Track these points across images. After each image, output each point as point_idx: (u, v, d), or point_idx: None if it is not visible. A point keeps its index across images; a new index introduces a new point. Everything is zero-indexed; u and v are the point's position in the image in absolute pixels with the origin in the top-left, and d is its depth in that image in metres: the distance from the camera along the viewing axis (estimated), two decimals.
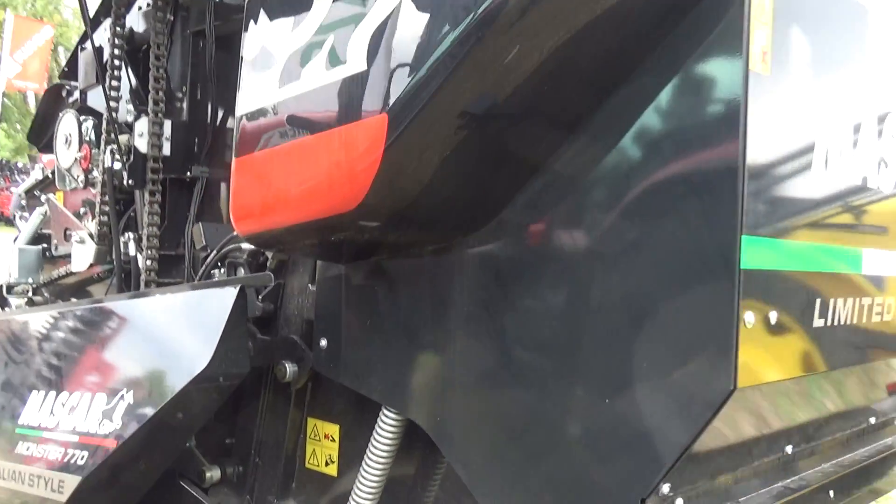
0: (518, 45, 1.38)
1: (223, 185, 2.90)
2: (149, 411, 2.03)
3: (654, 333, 1.42)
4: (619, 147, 1.48)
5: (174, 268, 2.86)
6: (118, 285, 2.90)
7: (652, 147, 1.43)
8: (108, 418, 2.15)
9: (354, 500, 2.05)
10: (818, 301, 1.55)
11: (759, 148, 1.35)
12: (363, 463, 2.04)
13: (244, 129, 1.77)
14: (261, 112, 1.73)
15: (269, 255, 2.38)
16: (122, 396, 2.13)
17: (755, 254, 1.36)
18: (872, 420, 2.18)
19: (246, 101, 1.76)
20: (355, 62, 1.53)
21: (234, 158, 1.82)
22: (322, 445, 2.35)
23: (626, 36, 1.45)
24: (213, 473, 2.51)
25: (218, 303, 1.99)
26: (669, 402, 1.40)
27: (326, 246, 1.84)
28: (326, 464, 2.33)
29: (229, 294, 1.98)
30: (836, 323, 1.59)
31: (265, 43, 1.72)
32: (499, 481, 1.65)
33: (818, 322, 1.55)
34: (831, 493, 1.95)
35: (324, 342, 2.10)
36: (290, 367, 2.27)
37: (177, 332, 2.07)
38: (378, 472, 2.01)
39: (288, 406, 2.39)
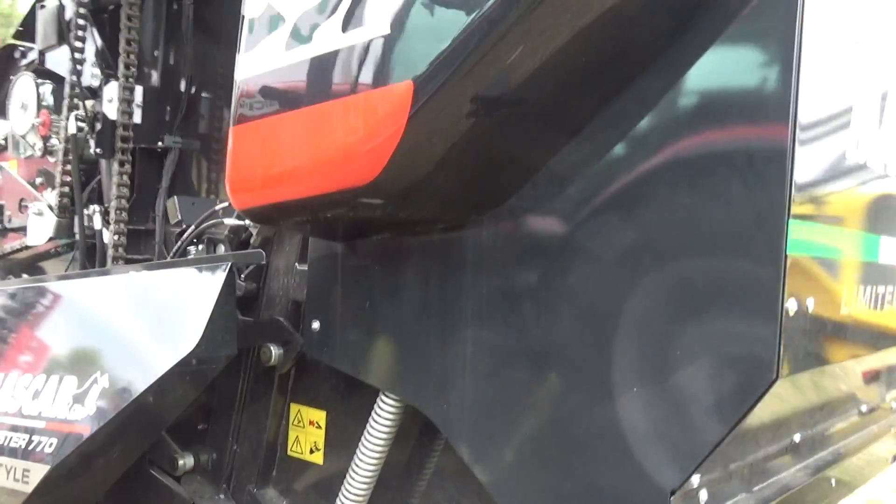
0: (562, 8, 1.29)
1: (197, 157, 2.75)
2: (128, 395, 1.89)
3: (690, 320, 1.36)
4: (659, 121, 1.41)
5: (143, 243, 2.70)
6: (81, 261, 2.72)
7: (696, 124, 1.37)
8: (80, 403, 2.00)
9: (348, 489, 1.96)
10: (847, 288, 1.51)
11: (809, 129, 1.30)
12: (358, 450, 1.94)
13: (245, 94, 1.65)
14: (265, 76, 1.61)
15: (254, 231, 2.25)
16: (97, 380, 1.98)
17: (800, 239, 1.31)
18: (864, 408, 2.19)
19: (247, 65, 1.64)
20: (376, 24, 1.42)
21: (231, 126, 1.69)
22: (306, 432, 2.24)
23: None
24: (186, 461, 2.38)
25: (207, 281, 1.86)
26: (706, 392, 1.34)
27: (330, 222, 1.73)
28: (311, 451, 2.22)
29: (219, 272, 1.86)
30: (861, 309, 1.56)
31: (271, 1, 1.59)
32: (517, 475, 1.57)
33: (846, 309, 1.52)
34: (833, 482, 1.94)
35: (316, 324, 1.99)
36: (275, 351, 2.15)
37: (161, 311, 1.93)
38: (374, 460, 1.92)
39: (270, 391, 2.27)
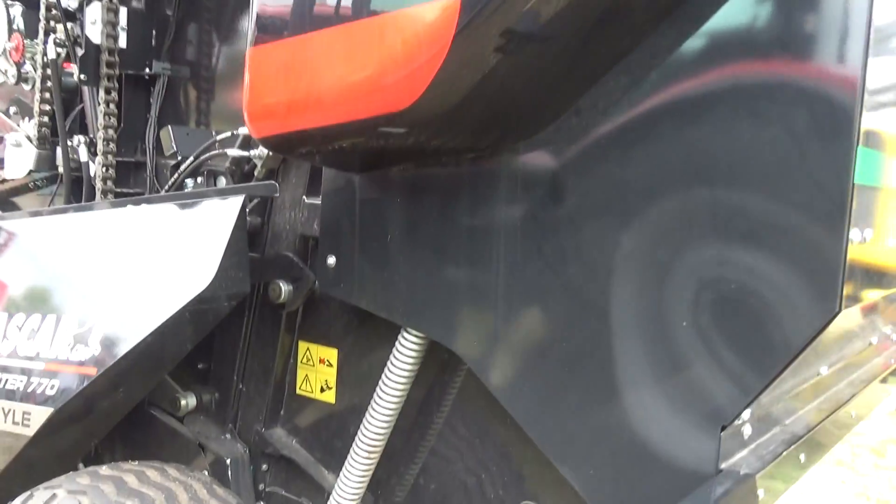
0: None
1: (187, 86, 2.60)
2: (136, 336, 1.80)
3: (750, 252, 1.32)
4: (720, 43, 1.33)
5: (132, 176, 2.57)
6: (66, 195, 2.58)
7: (757, 49, 1.30)
8: (83, 343, 1.91)
9: (368, 427, 1.91)
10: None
11: (881, 55, 1.24)
12: (378, 388, 1.89)
13: (265, 12, 1.53)
14: None
15: (258, 163, 2.14)
16: (101, 319, 1.89)
17: (866, 168, 1.26)
18: (875, 339, 2.20)
19: None
20: None
21: (249, 47, 1.57)
22: (316, 371, 2.18)
23: None
24: (188, 401, 2.32)
25: (219, 215, 1.76)
26: (764, 325, 1.31)
27: (353, 152, 1.64)
28: (322, 390, 2.17)
29: (233, 205, 1.75)
30: None
31: None
32: (555, 412, 1.54)
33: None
34: (853, 412, 1.95)
35: (332, 260, 1.91)
36: (284, 288, 2.08)
37: (170, 247, 1.83)
38: (395, 398, 1.87)
39: (277, 329, 2.20)
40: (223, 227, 1.74)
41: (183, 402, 2.31)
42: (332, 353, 2.15)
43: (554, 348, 1.54)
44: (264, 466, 2.26)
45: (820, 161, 1.25)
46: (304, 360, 2.21)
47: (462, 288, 1.68)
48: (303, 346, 2.21)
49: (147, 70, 2.52)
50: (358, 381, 2.09)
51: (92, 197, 2.54)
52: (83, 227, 2.10)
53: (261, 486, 2.26)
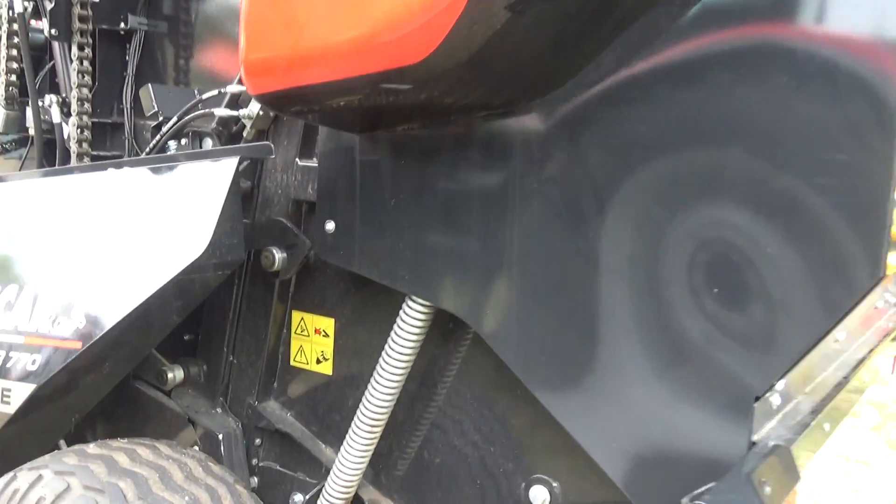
0: None
1: (164, 42, 2.46)
2: (125, 308, 1.69)
3: (789, 214, 1.25)
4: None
5: (109, 138, 2.43)
6: (38, 158, 2.43)
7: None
8: (66, 315, 1.80)
9: (371, 399, 1.83)
10: None
11: None
12: (381, 359, 1.81)
13: None
14: None
15: (247, 123, 2.02)
16: (86, 290, 1.77)
17: None
18: (880, 304, 2.16)
19: None
20: None
21: None
22: (311, 341, 2.09)
23: None
24: (175, 374, 2.22)
25: (212, 178, 1.65)
26: (802, 290, 1.24)
27: (360, 109, 1.53)
28: (318, 361, 2.08)
29: (226, 167, 1.64)
30: None
31: None
32: (580, 392, 1.47)
33: None
34: (865, 376, 1.92)
35: (330, 225, 1.81)
36: (278, 255, 1.97)
37: (160, 213, 1.71)
38: (400, 369, 1.79)
39: (269, 298, 2.10)
40: (216, 192, 1.63)
41: (170, 376, 2.21)
42: (328, 323, 2.06)
43: (576, 320, 1.46)
44: (257, 441, 2.17)
45: (866, 122, 1.18)
46: (298, 331, 2.12)
47: (473, 254, 1.59)
48: (296, 315, 2.12)
49: (122, 25, 2.37)
50: (357, 352, 2.01)
51: (66, 160, 2.40)
52: (61, 192, 1.97)
53: (254, 461, 2.18)
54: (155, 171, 1.79)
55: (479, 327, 1.60)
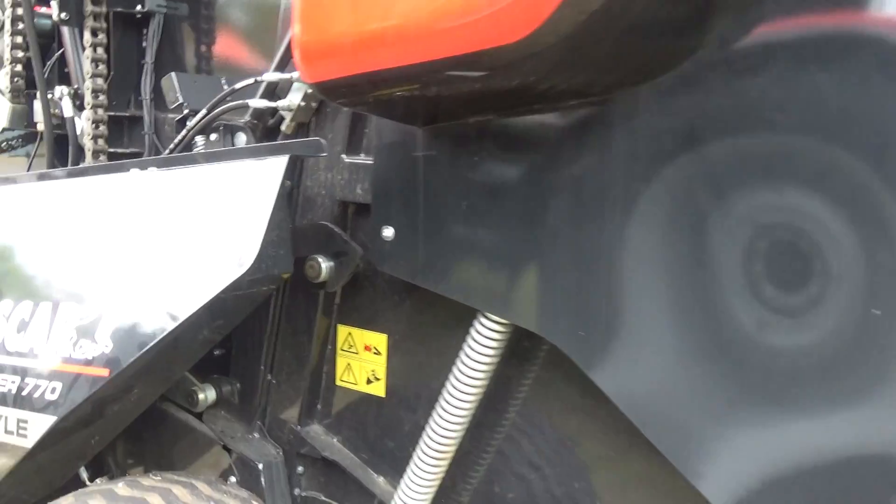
0: None
1: (184, 26, 2.22)
2: (159, 330, 1.47)
3: None
4: None
5: (127, 133, 2.20)
6: (49, 157, 2.20)
7: None
8: (89, 337, 1.58)
9: (439, 425, 1.61)
10: None
11: None
12: (450, 383, 1.59)
13: None
14: None
15: (286, 115, 1.79)
16: (112, 308, 1.55)
17: None
18: None
19: None
20: None
21: None
22: (360, 359, 1.87)
23: None
24: (207, 394, 2.00)
25: (259, 180, 1.42)
26: None
27: (433, 98, 1.30)
28: (368, 381, 1.86)
29: (275, 168, 1.41)
30: None
31: None
32: (697, 425, 1.24)
33: None
34: None
35: (388, 232, 1.59)
36: (324, 264, 1.75)
37: (200, 220, 1.48)
38: (472, 393, 1.57)
39: (312, 310, 1.88)
40: (263, 196, 1.41)
41: (200, 396, 1.99)
42: (380, 340, 1.84)
43: (695, 343, 1.24)
44: (300, 468, 1.95)
45: None
46: (345, 347, 1.90)
47: (564, 265, 1.37)
48: (343, 330, 1.90)
49: (139, 7, 2.14)
50: (414, 373, 1.79)
51: (80, 158, 2.17)
52: (80, 195, 1.74)
53: (296, 491, 1.96)
54: (189, 172, 1.56)
55: (575, 354, 1.38)
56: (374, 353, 1.85)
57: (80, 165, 2.05)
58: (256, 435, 1.98)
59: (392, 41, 1.14)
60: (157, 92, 2.15)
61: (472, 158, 1.46)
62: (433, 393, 1.73)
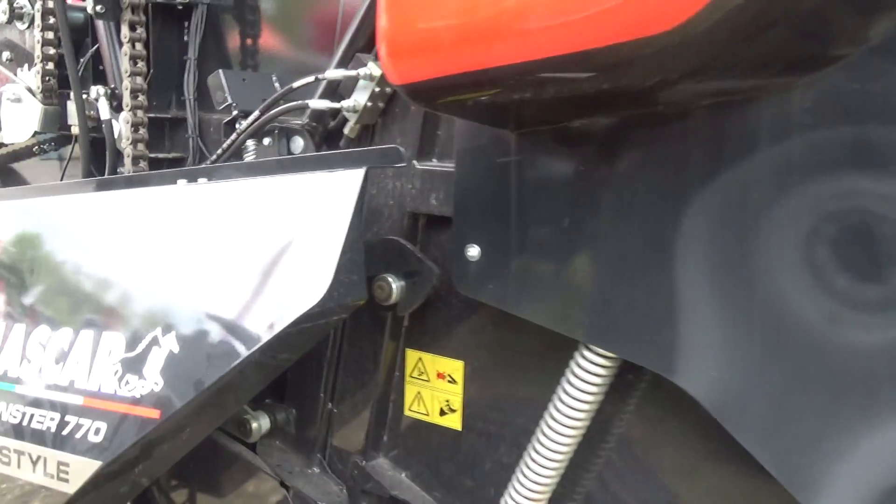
0: None
1: (227, 18, 2.03)
2: (216, 370, 1.29)
3: None
4: None
5: (168, 137, 2.02)
6: (85, 163, 2.02)
7: None
8: (137, 373, 1.40)
9: (534, 467, 1.41)
10: None
11: None
12: (546, 421, 1.39)
13: None
14: None
15: (351, 118, 1.60)
16: (165, 341, 1.37)
17: None
18: None
19: None
20: None
21: None
22: (432, 387, 1.68)
23: None
24: (261, 422, 1.83)
25: (332, 195, 1.22)
26: None
27: (545, 100, 1.09)
28: (442, 412, 1.67)
29: (351, 182, 1.21)
30: None
31: None
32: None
33: None
34: None
35: (474, 251, 1.38)
36: (395, 284, 1.55)
37: (264, 240, 1.29)
38: (573, 433, 1.37)
39: (378, 334, 1.69)
40: (338, 215, 1.21)
41: (254, 426, 1.81)
42: (455, 367, 1.64)
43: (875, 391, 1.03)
44: None
45: None
46: (415, 374, 1.70)
47: (693, 293, 1.16)
48: (412, 355, 1.70)
49: None
50: (496, 405, 1.59)
51: (117, 164, 1.99)
52: (126, 208, 1.56)
53: None
54: (246, 185, 1.37)
55: (701, 395, 1.17)
56: (449, 382, 1.65)
57: (125, 174, 1.86)
58: (316, 469, 1.80)
59: (508, 34, 0.93)
60: (201, 91, 1.96)
61: (579, 168, 1.25)
62: (519, 429, 1.54)
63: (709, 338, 1.15)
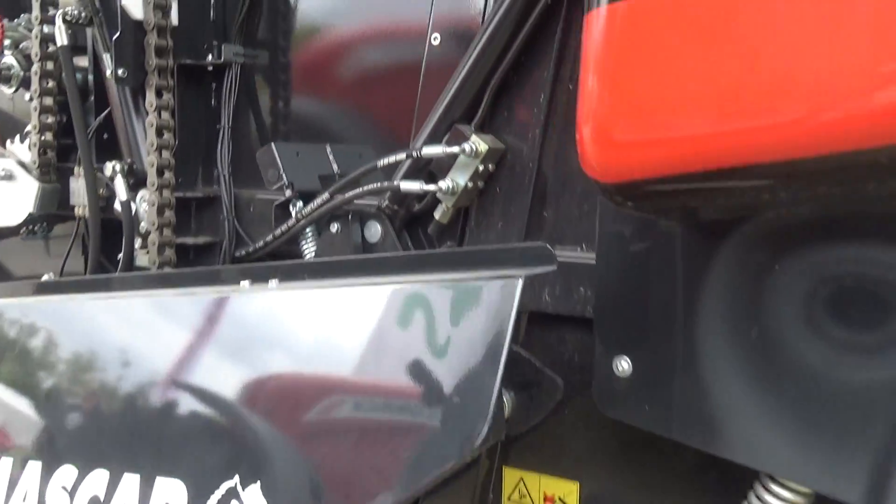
0: None
1: (262, 78, 1.77)
2: None
3: None
4: None
5: (193, 219, 1.74)
6: (94, 253, 1.72)
7: None
8: None
9: None
10: None
11: None
12: None
13: None
14: None
15: (447, 202, 1.36)
16: (249, 492, 1.09)
17: None
18: None
19: None
20: None
21: (591, 9, 0.80)
22: None
23: None
24: None
25: (489, 309, 0.97)
26: None
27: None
28: None
29: (505, 294, 0.97)
30: None
31: None
32: None
33: None
34: None
35: (624, 365, 1.15)
36: (506, 397, 1.30)
37: (388, 368, 1.02)
38: None
39: None
40: (498, 332, 0.96)
41: None
42: (568, 490, 1.40)
43: None
44: None
45: None
46: (516, 497, 1.46)
47: None
48: (511, 475, 1.45)
49: (211, 57, 1.69)
50: None
51: (131, 258, 1.69)
52: (168, 316, 1.27)
53: None
54: (340, 292, 1.10)
55: None
56: None
57: (160, 271, 1.57)
58: None
59: (806, 120, 0.72)
60: (235, 165, 1.70)
61: (773, 266, 1.04)
62: None
63: None
